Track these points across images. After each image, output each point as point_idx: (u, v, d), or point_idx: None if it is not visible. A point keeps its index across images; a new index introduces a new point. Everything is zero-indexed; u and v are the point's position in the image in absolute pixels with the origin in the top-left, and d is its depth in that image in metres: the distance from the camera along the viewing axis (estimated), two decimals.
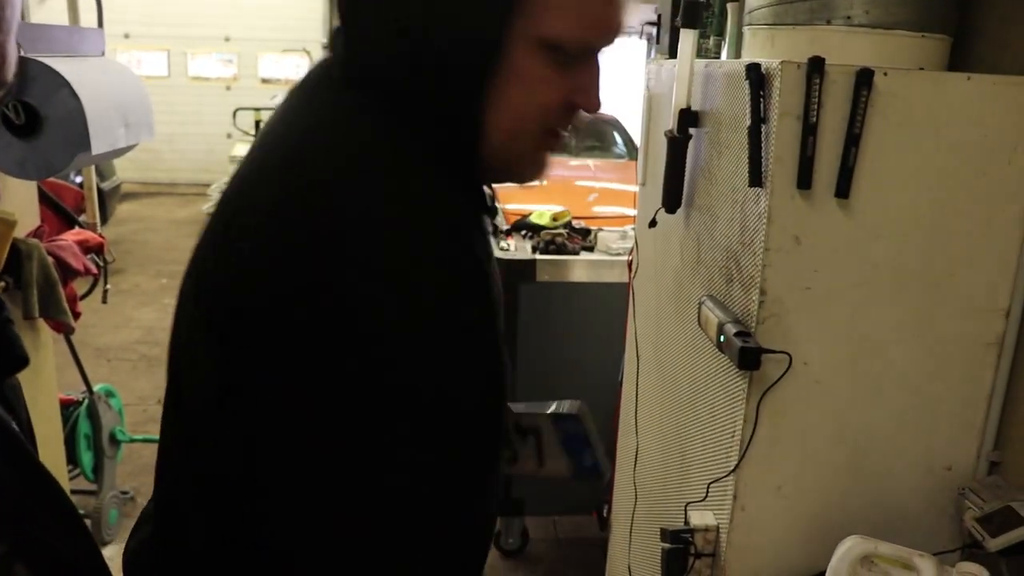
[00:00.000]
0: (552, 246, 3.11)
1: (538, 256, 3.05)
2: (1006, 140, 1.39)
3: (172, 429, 1.00)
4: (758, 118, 1.37)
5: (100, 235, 2.93)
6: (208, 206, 8.53)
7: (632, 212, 2.46)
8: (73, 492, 2.95)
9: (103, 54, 2.57)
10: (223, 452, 0.88)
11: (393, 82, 0.88)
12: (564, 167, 7.71)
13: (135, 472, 3.66)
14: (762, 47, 1.58)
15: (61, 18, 2.58)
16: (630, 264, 2.35)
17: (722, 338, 1.45)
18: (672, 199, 1.73)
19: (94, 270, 2.85)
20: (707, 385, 1.62)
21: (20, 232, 2.45)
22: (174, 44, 11.40)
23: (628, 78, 10.53)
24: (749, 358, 1.37)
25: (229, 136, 10.44)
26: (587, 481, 1.24)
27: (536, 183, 1.00)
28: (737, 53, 1.79)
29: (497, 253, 3.06)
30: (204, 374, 0.89)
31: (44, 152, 2.15)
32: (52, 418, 2.82)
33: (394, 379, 0.78)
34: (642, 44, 10.62)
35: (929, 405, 1.49)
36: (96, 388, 3.29)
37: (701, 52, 1.89)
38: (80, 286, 2.87)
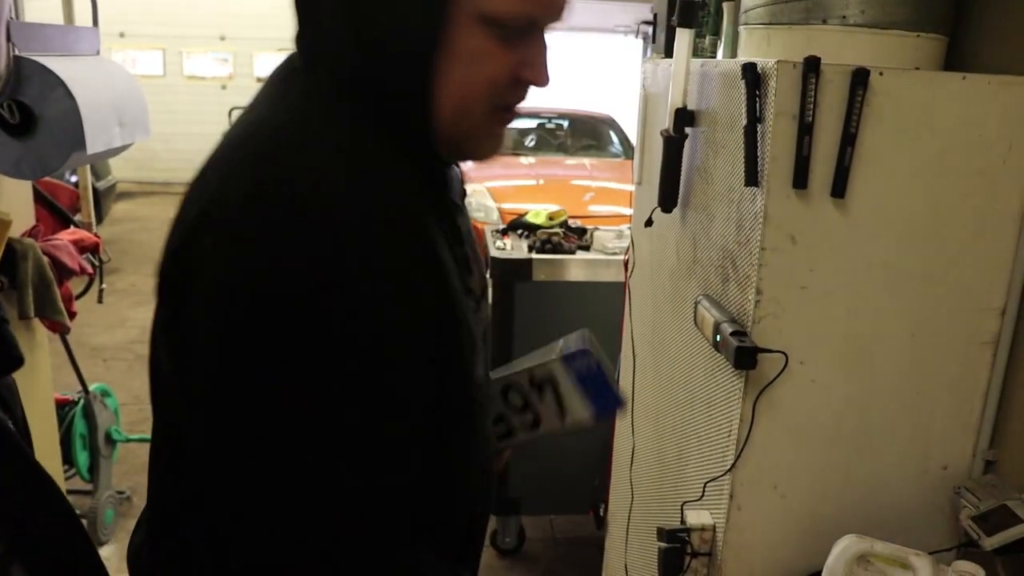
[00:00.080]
0: (548, 245, 3.11)
1: (534, 255, 3.05)
2: (1001, 139, 1.39)
3: (155, 426, 1.01)
4: (754, 117, 1.37)
5: (95, 235, 2.92)
6: None
7: (628, 211, 2.46)
8: (69, 492, 2.94)
9: (98, 53, 2.56)
10: (192, 447, 0.90)
11: (343, 66, 0.90)
12: (560, 166, 7.72)
13: (131, 472, 3.65)
14: (758, 46, 1.58)
15: (56, 17, 2.58)
16: (626, 263, 2.35)
17: (718, 337, 1.45)
18: (668, 198, 1.73)
19: (89, 270, 2.85)
20: (703, 384, 1.62)
21: (15, 232, 2.44)
22: (169, 43, 11.38)
23: (624, 77, 10.55)
24: (745, 357, 1.38)
25: None
26: (609, 419, 1.22)
27: (491, 160, 1.02)
28: (733, 52, 1.79)
29: (493, 252, 3.07)
30: (166, 363, 0.91)
31: (39, 152, 2.14)
32: (48, 418, 2.82)
33: (333, 358, 0.80)
34: (638, 43, 10.62)
35: (925, 404, 1.49)
36: (92, 388, 3.28)
37: (697, 51, 1.89)
38: (75, 286, 2.86)
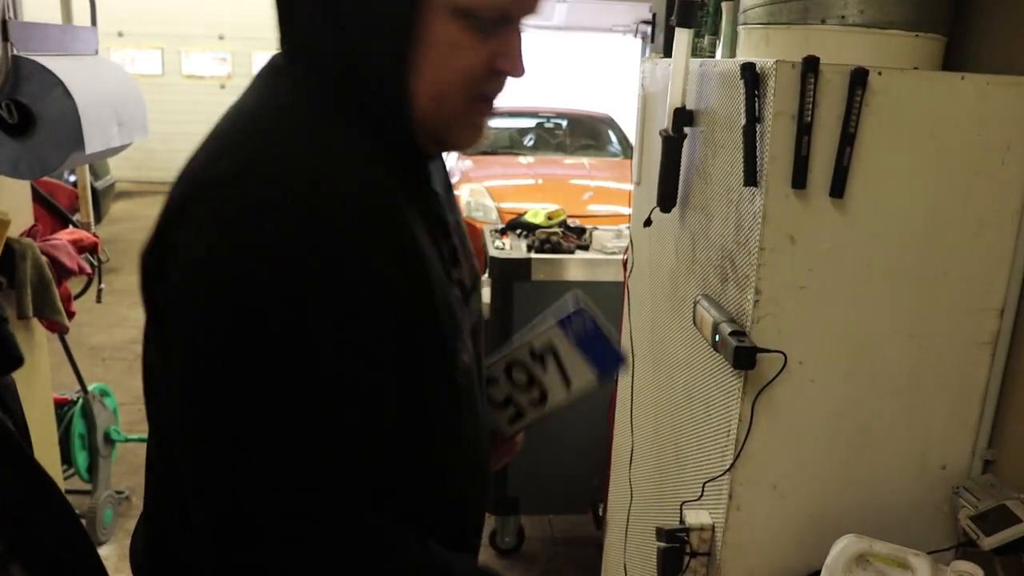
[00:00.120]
0: (547, 245, 3.11)
1: (533, 255, 3.05)
2: (1000, 139, 1.39)
3: (150, 426, 1.02)
4: (753, 117, 1.37)
5: (94, 234, 2.92)
6: None
7: (627, 210, 2.46)
8: (68, 492, 2.94)
9: (97, 53, 2.56)
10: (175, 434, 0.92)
11: (320, 60, 0.93)
12: (559, 166, 7.72)
13: (130, 471, 3.65)
14: (757, 46, 1.58)
15: (54, 16, 2.57)
16: (625, 263, 2.35)
17: (717, 337, 1.45)
18: (667, 198, 1.73)
19: (88, 270, 2.85)
20: (702, 384, 1.62)
21: (14, 232, 2.44)
22: (168, 42, 11.38)
23: (622, 76, 10.55)
24: (744, 357, 1.38)
25: None
26: (613, 377, 1.21)
27: (472, 148, 1.05)
28: (732, 52, 1.79)
29: (492, 252, 3.07)
30: (153, 355, 0.95)
31: (38, 151, 2.14)
32: (47, 418, 2.82)
33: (296, 336, 0.82)
34: (637, 42, 10.62)
35: (924, 404, 1.49)
36: (91, 387, 3.28)
37: (696, 51, 1.89)
38: (74, 285, 2.86)
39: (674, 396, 1.81)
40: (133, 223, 9.04)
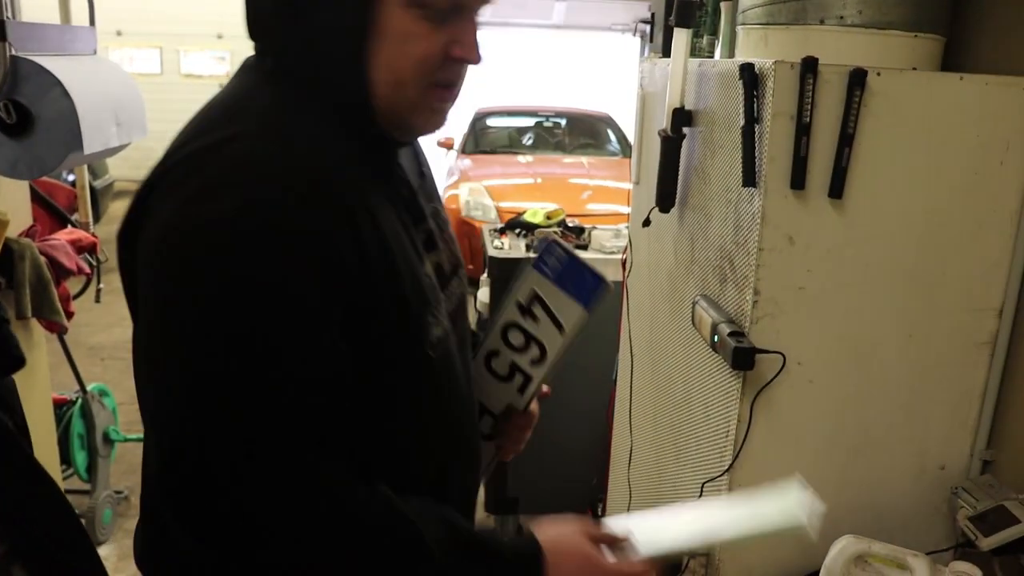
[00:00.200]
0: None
1: (532, 254, 3.04)
2: (998, 140, 1.39)
3: (145, 425, 1.04)
4: (751, 118, 1.37)
5: (93, 234, 2.91)
6: None
7: (626, 209, 2.46)
8: (67, 492, 2.93)
9: (95, 52, 2.56)
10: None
11: (283, 51, 1.01)
12: (558, 165, 7.72)
13: (129, 471, 3.65)
14: (755, 46, 1.58)
15: (53, 16, 2.57)
16: (624, 263, 2.35)
17: (716, 338, 1.45)
18: (666, 199, 1.73)
19: (87, 270, 2.84)
20: (701, 384, 1.62)
21: (12, 232, 2.44)
22: (167, 41, 11.36)
23: (621, 75, 10.55)
24: (743, 358, 1.38)
25: None
26: (598, 302, 1.22)
27: (435, 134, 1.11)
28: (731, 52, 1.79)
29: (491, 251, 3.07)
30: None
31: (36, 152, 2.14)
32: (46, 418, 2.82)
33: (247, 290, 0.89)
34: (636, 41, 10.62)
35: (922, 404, 1.49)
36: (90, 387, 3.28)
37: (695, 51, 1.89)
38: (73, 285, 2.86)
39: (673, 396, 1.81)
40: None
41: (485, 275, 3.10)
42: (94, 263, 2.93)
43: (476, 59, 1.02)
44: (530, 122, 8.75)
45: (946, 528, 1.52)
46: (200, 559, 1.01)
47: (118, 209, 9.26)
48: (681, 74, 1.64)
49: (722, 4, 1.83)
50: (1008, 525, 1.32)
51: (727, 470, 1.47)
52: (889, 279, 1.43)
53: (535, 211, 3.39)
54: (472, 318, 2.35)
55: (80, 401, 3.23)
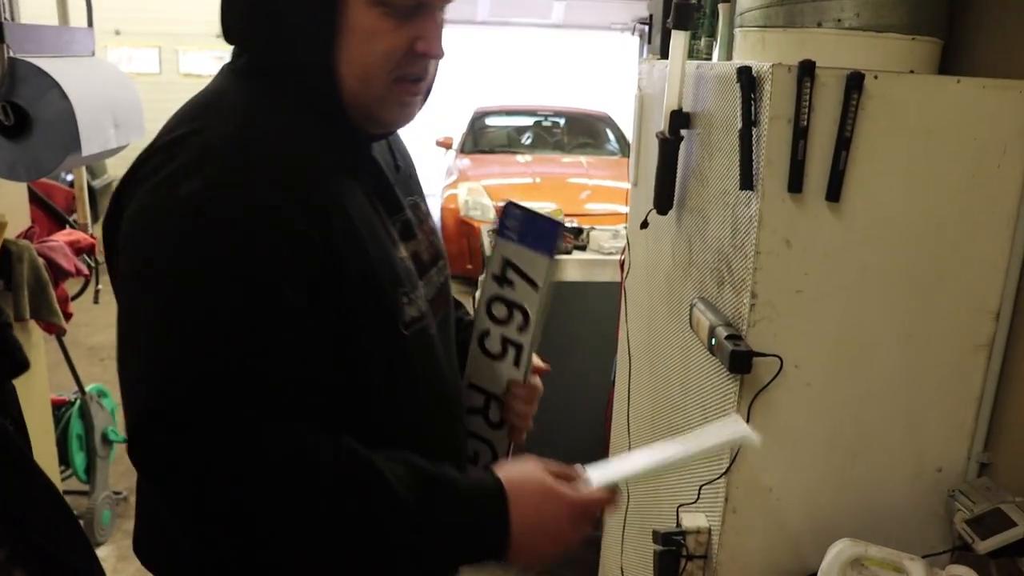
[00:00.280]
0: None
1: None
2: (995, 143, 1.39)
3: None
4: (749, 121, 1.37)
5: (91, 235, 2.91)
6: None
7: (625, 209, 2.46)
8: (65, 493, 2.93)
9: (93, 54, 2.56)
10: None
11: (255, 49, 1.09)
12: (557, 164, 7.72)
13: (128, 472, 3.64)
14: (753, 49, 1.58)
15: (51, 17, 2.57)
16: (622, 264, 2.35)
17: (713, 341, 1.45)
18: (663, 201, 1.73)
19: (85, 271, 2.84)
20: (699, 387, 1.62)
21: (11, 233, 2.44)
22: (165, 41, 11.34)
23: (620, 74, 10.54)
24: (740, 362, 1.38)
25: None
26: (559, 246, 1.28)
27: (404, 126, 1.17)
28: (728, 55, 1.79)
29: (489, 251, 3.07)
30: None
31: (34, 154, 2.14)
32: (44, 419, 2.82)
33: (214, 264, 0.95)
34: (635, 40, 10.62)
35: (919, 407, 1.49)
36: (88, 388, 3.28)
37: (692, 53, 1.89)
38: (72, 286, 2.86)
39: (671, 398, 1.81)
40: None
41: (483, 275, 3.10)
42: (92, 264, 2.93)
43: (439, 54, 1.09)
44: (529, 121, 8.74)
45: (943, 531, 1.53)
46: (189, 540, 1.09)
47: None
48: (679, 76, 1.64)
49: (720, 6, 1.82)
50: (1005, 528, 1.33)
51: (724, 473, 1.48)
52: (886, 282, 1.43)
53: None
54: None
55: (79, 402, 3.23)
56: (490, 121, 8.80)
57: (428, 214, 1.31)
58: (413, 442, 1.10)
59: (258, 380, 0.96)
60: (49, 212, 3.00)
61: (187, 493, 0.96)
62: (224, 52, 1.15)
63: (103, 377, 4.62)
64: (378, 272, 1.06)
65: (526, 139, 8.49)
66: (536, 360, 1.34)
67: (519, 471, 1.09)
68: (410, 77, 1.09)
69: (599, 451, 2.77)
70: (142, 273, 0.98)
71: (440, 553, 1.04)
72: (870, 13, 1.45)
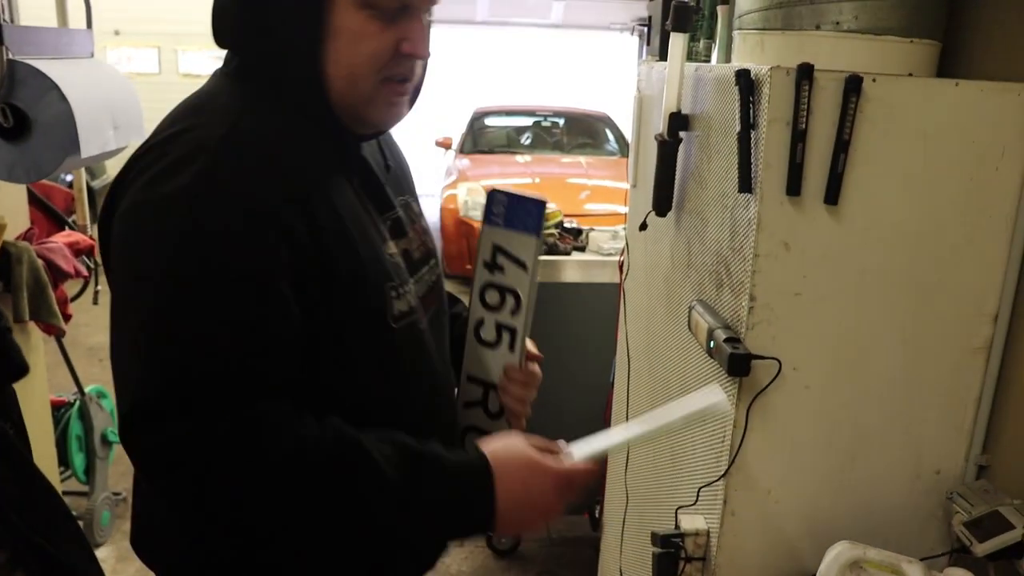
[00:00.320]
0: (543, 246, 3.10)
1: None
2: (993, 146, 1.39)
3: None
4: (748, 124, 1.37)
5: (90, 237, 2.92)
6: None
7: (624, 209, 2.46)
8: (65, 494, 2.94)
9: (92, 55, 2.56)
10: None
11: (249, 56, 1.12)
12: (556, 164, 7.73)
13: (127, 473, 3.63)
14: (752, 52, 1.58)
15: (50, 18, 2.57)
16: (621, 265, 2.35)
17: (712, 344, 1.45)
18: (662, 203, 1.73)
19: (84, 272, 2.84)
20: (698, 389, 1.62)
21: (10, 235, 2.45)
22: (165, 40, 11.34)
23: (620, 74, 10.54)
24: (739, 365, 1.38)
25: None
26: (542, 224, 1.31)
27: (392, 126, 1.22)
28: (727, 57, 1.79)
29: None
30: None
31: (33, 155, 2.14)
32: (43, 420, 2.82)
33: (199, 251, 0.99)
34: (634, 40, 10.62)
35: (918, 410, 1.49)
36: (88, 389, 3.28)
37: (691, 55, 1.89)
38: (71, 287, 2.86)
39: (670, 400, 1.81)
40: None
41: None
42: (92, 265, 2.93)
43: (424, 54, 1.12)
44: (528, 122, 8.75)
45: (941, 533, 1.53)
46: (184, 533, 1.15)
47: None
48: (678, 78, 1.64)
49: (719, 8, 1.82)
50: (1003, 531, 1.33)
51: (723, 475, 1.48)
52: (885, 285, 1.43)
53: None
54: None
55: (78, 403, 3.23)
56: (489, 121, 8.80)
57: (420, 214, 1.33)
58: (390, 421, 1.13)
59: (249, 370, 0.99)
60: (48, 213, 3.01)
61: (183, 483, 0.98)
62: (223, 53, 1.17)
63: (102, 378, 4.62)
64: (366, 266, 1.09)
65: (525, 139, 8.50)
66: (530, 346, 1.37)
67: (503, 445, 1.11)
68: (397, 77, 1.12)
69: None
70: (133, 269, 1.01)
71: (428, 528, 1.07)
72: (868, 16, 1.45)
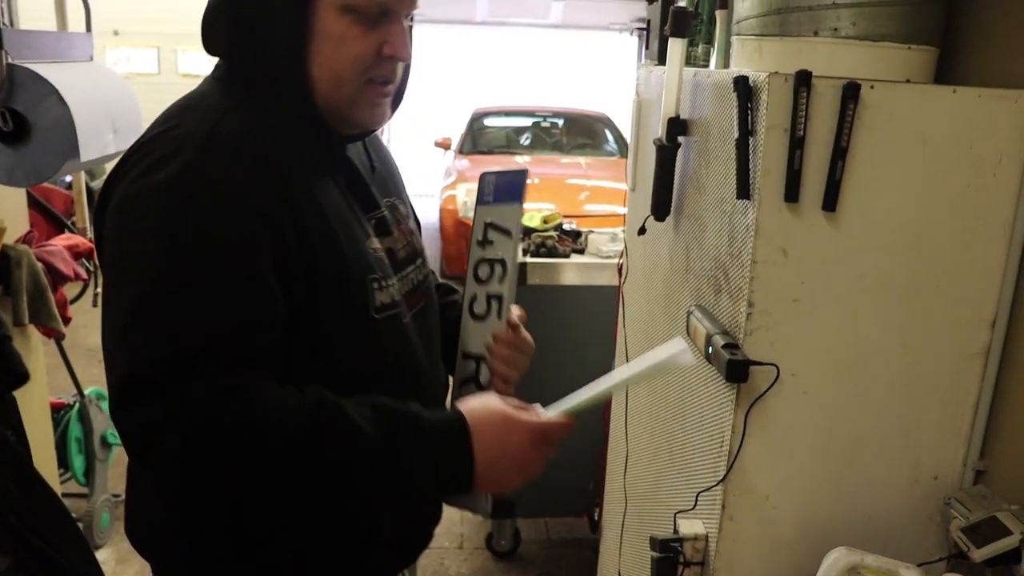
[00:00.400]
0: (543, 249, 3.11)
1: (528, 259, 3.05)
2: (992, 152, 1.39)
3: None
4: (746, 130, 1.38)
5: (90, 239, 2.92)
6: None
7: (623, 210, 2.46)
8: (64, 496, 2.95)
9: (91, 59, 2.56)
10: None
11: (236, 59, 1.17)
12: (555, 165, 7.73)
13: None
14: (750, 57, 1.58)
15: (49, 21, 2.57)
16: (620, 268, 2.35)
17: (710, 349, 1.45)
18: (661, 207, 1.73)
19: (84, 275, 2.85)
20: (696, 394, 1.62)
21: (10, 238, 2.45)
22: (164, 41, 11.34)
23: (619, 75, 10.55)
24: (737, 371, 1.38)
25: None
26: (525, 188, 1.35)
27: (376, 128, 1.26)
28: (726, 62, 1.79)
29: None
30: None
31: (33, 159, 2.14)
32: (43, 423, 2.82)
33: (184, 237, 1.03)
34: (633, 41, 10.62)
35: (916, 415, 1.50)
36: (87, 391, 3.28)
37: (690, 59, 1.89)
38: (71, 289, 2.86)
39: (668, 405, 1.82)
40: None
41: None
42: (91, 268, 2.93)
43: (405, 56, 1.16)
44: (527, 122, 8.75)
45: (939, 539, 1.53)
46: (172, 517, 1.20)
47: None
48: (676, 84, 1.64)
49: (717, 14, 1.83)
50: (1000, 536, 1.33)
51: (721, 480, 1.48)
52: (883, 291, 1.43)
53: (531, 215, 3.39)
54: None
55: (78, 405, 3.23)
56: (489, 122, 8.80)
57: (407, 216, 1.38)
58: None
59: (233, 345, 1.03)
60: (48, 216, 3.01)
61: (169, 456, 1.01)
62: None
63: (102, 380, 4.61)
64: (347, 257, 1.14)
65: (525, 140, 8.50)
66: (515, 310, 1.39)
67: (480, 403, 1.14)
68: (379, 80, 1.16)
69: (598, 453, 2.77)
70: (122, 256, 1.06)
71: (408, 486, 1.09)
72: (866, 22, 1.45)
